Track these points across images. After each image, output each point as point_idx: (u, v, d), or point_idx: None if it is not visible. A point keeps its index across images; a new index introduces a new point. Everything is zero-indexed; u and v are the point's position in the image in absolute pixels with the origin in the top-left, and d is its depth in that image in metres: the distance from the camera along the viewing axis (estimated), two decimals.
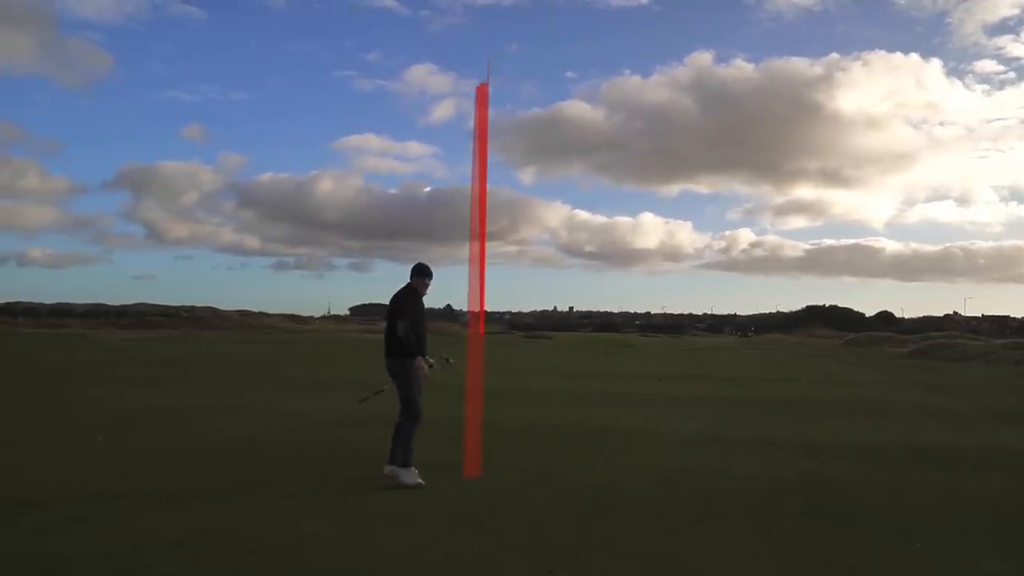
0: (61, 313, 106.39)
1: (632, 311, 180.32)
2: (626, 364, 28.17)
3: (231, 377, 19.07)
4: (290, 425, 10.28)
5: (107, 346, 39.05)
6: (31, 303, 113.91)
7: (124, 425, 10.27)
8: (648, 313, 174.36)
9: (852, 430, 10.68)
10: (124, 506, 5.91)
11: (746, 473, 7.47)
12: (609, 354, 38.40)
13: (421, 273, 6.96)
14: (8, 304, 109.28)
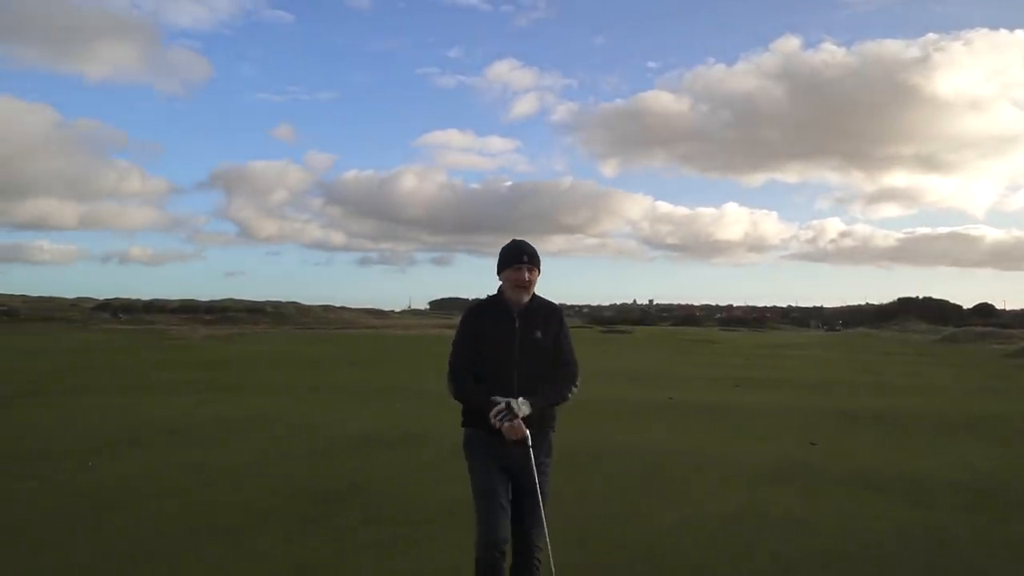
0: (156, 309, 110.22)
1: (714, 304, 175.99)
2: (701, 365, 26.31)
3: (275, 380, 18.24)
4: (300, 446, 9.10)
5: (181, 344, 39.35)
6: (129, 299, 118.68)
7: (110, 446, 9.32)
8: (730, 306, 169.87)
9: (965, 458, 8.83)
10: None
11: (835, 526, 5.86)
12: (684, 352, 36.50)
13: (507, 259, 3.69)
14: (108, 301, 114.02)
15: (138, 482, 7.27)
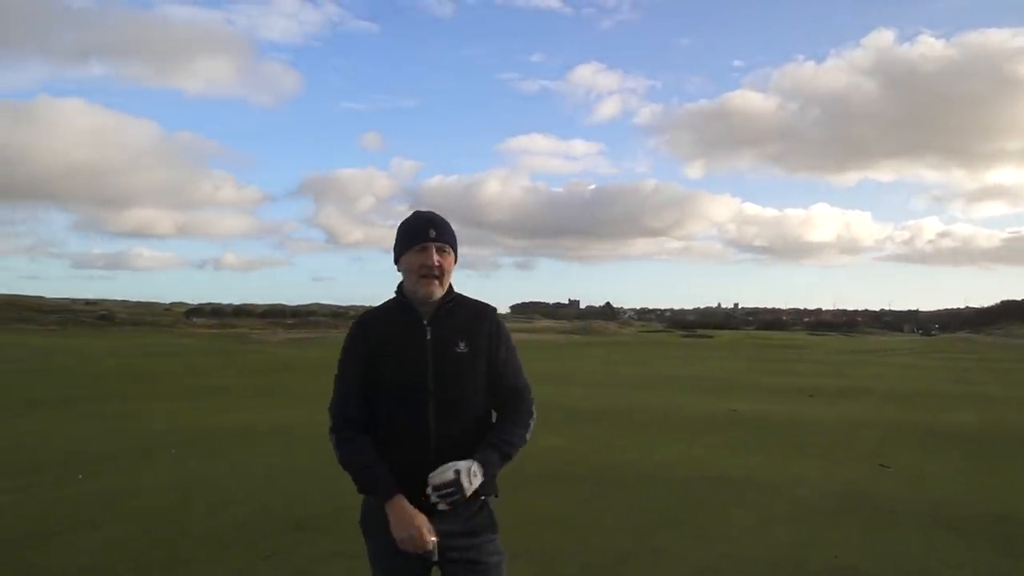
0: (244, 313, 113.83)
1: (802, 308, 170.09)
2: (778, 372, 24.70)
3: (326, 387, 17.73)
4: (308, 460, 8.34)
5: (255, 348, 39.84)
6: (220, 304, 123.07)
7: (114, 458, 8.81)
8: (819, 310, 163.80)
9: None
10: None
11: None
12: (764, 358, 34.70)
13: (406, 238, 2.53)
14: (200, 305, 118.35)
15: (115, 500, 6.66)
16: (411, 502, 2.35)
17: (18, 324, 72.98)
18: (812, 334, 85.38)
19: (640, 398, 15.64)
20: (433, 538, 2.30)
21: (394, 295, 2.57)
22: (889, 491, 7.14)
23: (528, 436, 2.57)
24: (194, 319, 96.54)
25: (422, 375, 2.41)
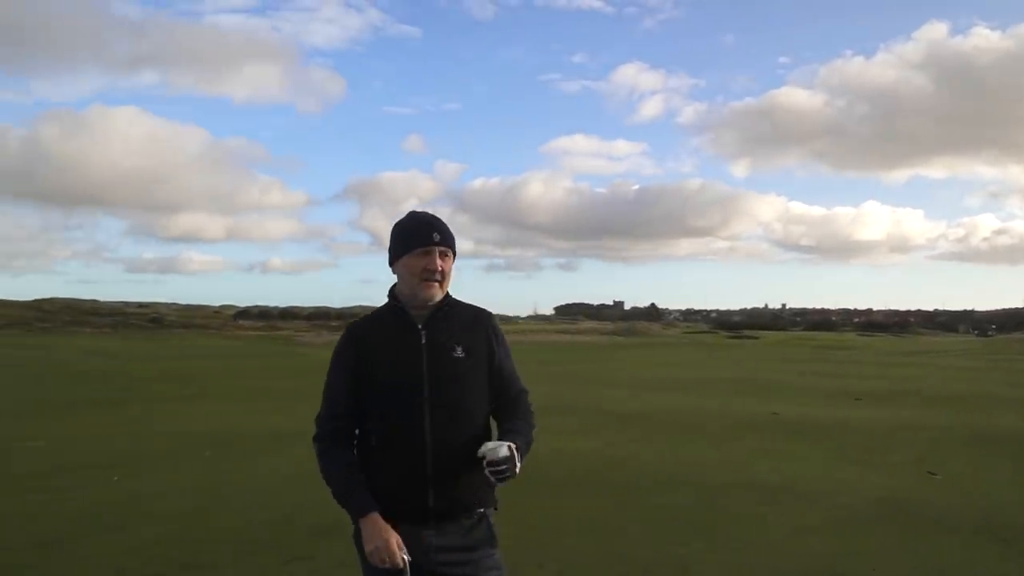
0: (291, 316, 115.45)
1: (851, 308, 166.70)
2: (824, 374, 24.10)
3: None
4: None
5: (299, 351, 40.25)
6: (267, 307, 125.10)
7: (147, 458, 8.89)
8: (870, 310, 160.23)
9: None
10: None
11: None
12: (810, 359, 33.97)
13: (407, 239, 2.42)
14: (247, 308, 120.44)
15: (143, 502, 6.70)
16: (406, 509, 2.29)
17: (73, 327, 75.09)
18: (862, 335, 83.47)
19: (680, 400, 15.36)
20: (406, 556, 2.22)
21: (388, 300, 2.47)
22: (935, 499, 6.83)
23: (532, 435, 2.46)
24: (241, 321, 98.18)
25: (418, 379, 2.32)
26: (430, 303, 2.39)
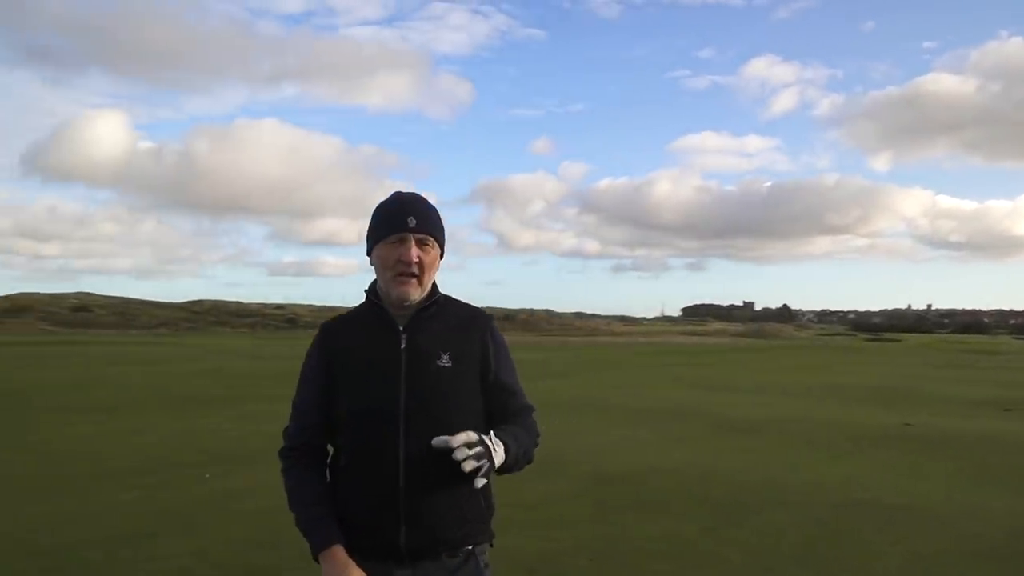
0: None
1: (1007, 309, 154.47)
2: (970, 381, 22.13)
3: None
4: None
5: None
6: None
7: (254, 457, 8.96)
8: None
9: None
10: None
11: None
12: (956, 364, 31.43)
13: (379, 226, 2.05)
14: None
15: (226, 501, 6.69)
16: (375, 545, 1.93)
17: (216, 326, 79.99)
18: (1018, 338, 77.10)
19: (802, 408, 14.37)
20: None
21: (367, 298, 2.10)
22: None
23: (533, 455, 2.06)
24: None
25: (392, 392, 1.95)
26: (404, 303, 2.01)
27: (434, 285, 2.07)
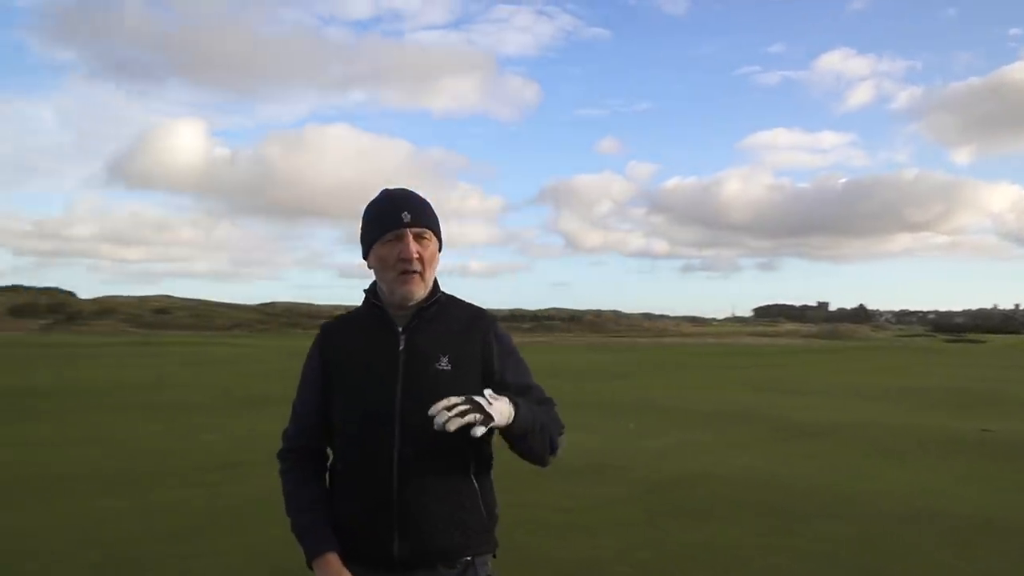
0: None
1: None
2: None
3: None
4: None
5: None
6: None
7: None
8: None
9: None
10: None
11: None
12: None
13: (374, 224, 1.96)
14: None
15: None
16: (368, 554, 1.87)
17: (288, 328, 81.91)
18: None
19: (872, 411, 13.84)
20: None
21: (365, 299, 2.02)
22: None
23: (559, 447, 1.96)
24: None
25: (388, 394, 1.88)
26: (410, 302, 1.93)
27: (435, 282, 2.00)
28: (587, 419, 12.42)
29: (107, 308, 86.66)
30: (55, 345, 42.69)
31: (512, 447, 1.88)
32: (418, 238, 1.93)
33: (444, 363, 1.90)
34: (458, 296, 2.08)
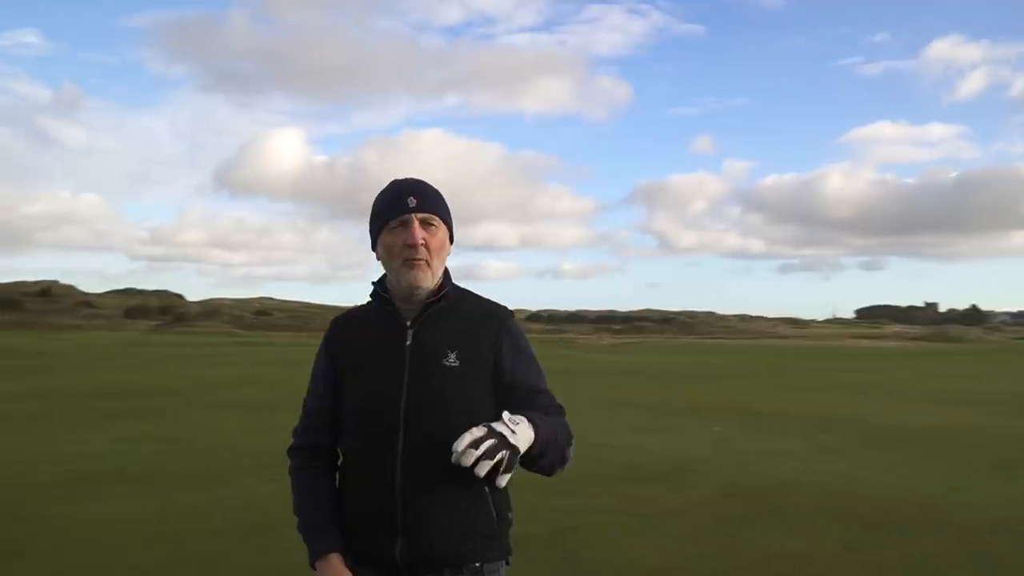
0: (578, 319, 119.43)
1: None
2: None
3: (582, 393, 17.40)
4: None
5: (568, 354, 40.98)
6: (556, 310, 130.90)
7: None
8: None
9: None
10: None
11: None
12: None
13: (380, 212, 1.92)
14: (538, 312, 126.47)
15: None
16: (370, 553, 1.83)
17: None
18: None
19: (976, 418, 13.06)
20: None
21: (374, 293, 1.96)
22: None
23: (569, 453, 1.86)
24: (531, 324, 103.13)
25: (394, 392, 1.83)
26: (416, 290, 1.85)
27: (446, 274, 1.93)
28: (670, 422, 12.20)
29: (212, 310, 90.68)
30: (162, 344, 44.93)
31: (523, 463, 1.77)
32: (425, 224, 1.86)
33: (452, 359, 1.83)
34: (474, 291, 2.00)
